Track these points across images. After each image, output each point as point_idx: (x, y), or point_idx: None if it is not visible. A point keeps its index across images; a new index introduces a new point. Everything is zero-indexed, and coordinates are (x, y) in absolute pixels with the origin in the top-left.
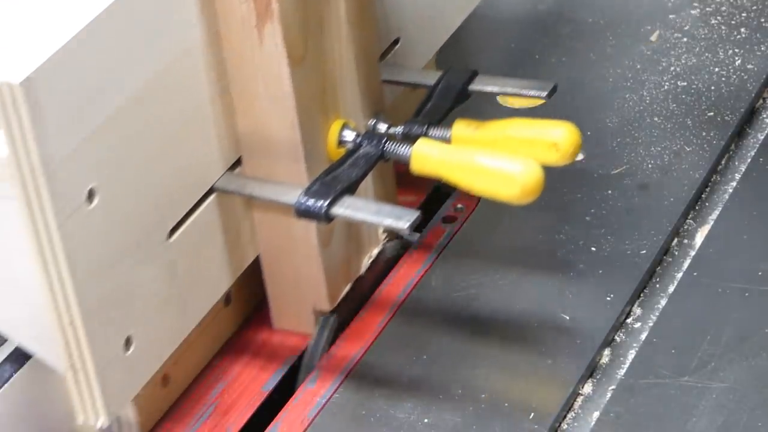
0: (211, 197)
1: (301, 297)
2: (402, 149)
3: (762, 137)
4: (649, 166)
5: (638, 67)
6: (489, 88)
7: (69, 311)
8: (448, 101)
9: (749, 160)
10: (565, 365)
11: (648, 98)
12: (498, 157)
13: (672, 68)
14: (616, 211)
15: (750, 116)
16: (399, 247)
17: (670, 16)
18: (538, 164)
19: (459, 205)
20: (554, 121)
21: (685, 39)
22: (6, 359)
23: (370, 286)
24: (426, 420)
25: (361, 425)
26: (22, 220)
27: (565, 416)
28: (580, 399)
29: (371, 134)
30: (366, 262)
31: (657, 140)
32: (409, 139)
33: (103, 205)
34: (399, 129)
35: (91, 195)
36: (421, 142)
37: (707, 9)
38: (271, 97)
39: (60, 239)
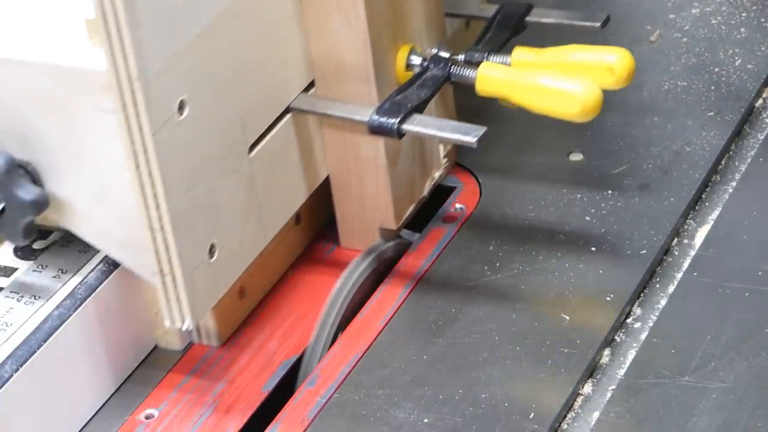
0: (288, 116)
1: (367, 216)
2: (467, 72)
3: (762, 137)
4: (649, 166)
5: (638, 67)
6: (544, 20)
7: (160, 217)
8: (507, 31)
9: (749, 160)
10: (565, 365)
11: (648, 98)
12: (559, 77)
13: (672, 68)
14: (616, 211)
15: (750, 116)
16: (399, 247)
17: (670, 16)
18: (597, 85)
19: (459, 205)
20: (609, 46)
21: (685, 39)
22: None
23: (370, 286)
24: (426, 420)
25: (361, 425)
26: (119, 129)
27: (565, 416)
28: (580, 399)
29: (437, 58)
30: (429, 184)
31: (657, 140)
32: (471, 65)
33: (192, 116)
34: (461, 57)
35: (181, 106)
36: (485, 65)
37: (707, 9)
38: (345, 20)
39: (154, 147)
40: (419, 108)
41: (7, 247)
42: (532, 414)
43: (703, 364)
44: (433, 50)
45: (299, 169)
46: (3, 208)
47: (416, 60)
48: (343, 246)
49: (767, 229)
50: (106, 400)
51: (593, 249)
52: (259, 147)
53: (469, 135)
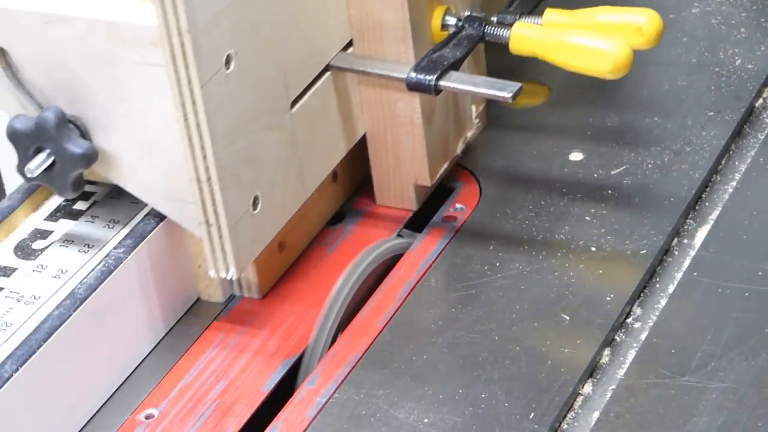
0: (327, 74)
1: (403, 173)
2: (501, 31)
3: (762, 137)
4: (649, 166)
5: (638, 66)
6: None
7: (206, 168)
8: None
9: (749, 160)
10: (566, 365)
11: (648, 98)
12: (591, 36)
13: (672, 68)
14: (616, 211)
15: (750, 116)
16: (399, 246)
17: (670, 16)
18: (627, 44)
19: (459, 205)
20: (638, 7)
21: (685, 39)
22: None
23: (370, 286)
24: (426, 420)
25: (361, 425)
26: (169, 81)
27: (565, 416)
28: (580, 399)
29: (472, 18)
30: (462, 144)
31: (657, 140)
32: (505, 25)
33: (238, 70)
34: (494, 18)
35: (228, 60)
36: (519, 24)
37: (707, 9)
38: None
39: (202, 99)
40: (455, 66)
41: (8, 247)
42: (532, 414)
43: (703, 364)
44: (467, 12)
45: (338, 125)
46: (53, 162)
47: (451, 20)
48: (378, 203)
49: (767, 229)
50: (112, 394)
51: (593, 249)
52: (300, 103)
53: (504, 91)
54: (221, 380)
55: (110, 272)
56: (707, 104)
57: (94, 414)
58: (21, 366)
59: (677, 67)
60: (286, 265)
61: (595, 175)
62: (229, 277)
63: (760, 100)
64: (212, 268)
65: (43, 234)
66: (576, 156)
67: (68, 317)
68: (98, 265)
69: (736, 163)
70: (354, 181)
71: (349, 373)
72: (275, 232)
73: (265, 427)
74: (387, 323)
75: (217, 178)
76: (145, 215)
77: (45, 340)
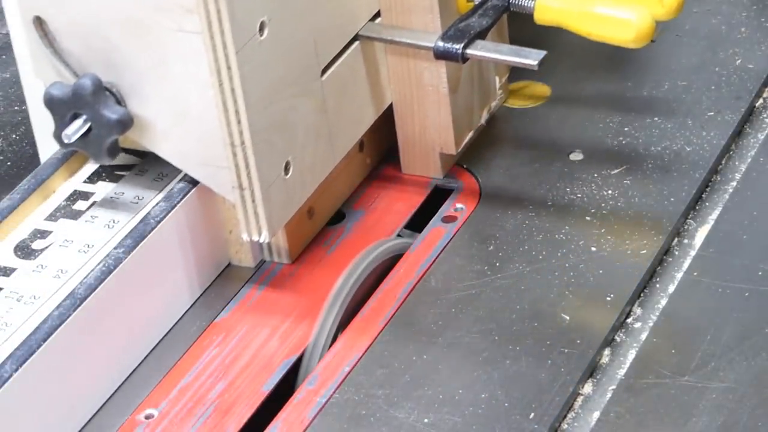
0: (356, 44)
1: (429, 142)
2: (526, 1)
3: (762, 137)
4: (649, 166)
5: (638, 67)
6: None
7: (240, 133)
8: None
9: (749, 160)
10: (565, 365)
11: (648, 98)
12: (614, 6)
13: (672, 68)
14: (616, 211)
15: (750, 116)
16: (399, 246)
17: None
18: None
19: (459, 205)
20: None
21: (685, 39)
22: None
23: (370, 286)
24: (426, 420)
25: (361, 425)
26: (204, 48)
27: (565, 416)
28: (580, 399)
29: None
30: (486, 113)
31: (657, 140)
32: None
33: (271, 37)
34: None
35: (262, 27)
36: None
37: (707, 9)
38: None
39: (237, 65)
40: (481, 35)
41: (8, 247)
42: (532, 414)
43: (703, 364)
44: None
45: (366, 94)
46: (89, 128)
47: None
48: (404, 172)
49: (767, 229)
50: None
51: (593, 249)
52: (330, 71)
53: (530, 58)
54: (221, 380)
55: (110, 272)
56: (707, 104)
57: (94, 414)
58: (21, 366)
59: (677, 67)
60: (315, 231)
61: (595, 175)
62: (261, 240)
63: (760, 100)
64: (245, 232)
65: (43, 234)
66: (576, 156)
67: (68, 317)
68: (98, 265)
69: (736, 163)
70: (380, 150)
71: (349, 373)
72: (306, 197)
73: (265, 427)
74: (387, 323)
75: (251, 142)
76: (146, 215)
77: (45, 340)
